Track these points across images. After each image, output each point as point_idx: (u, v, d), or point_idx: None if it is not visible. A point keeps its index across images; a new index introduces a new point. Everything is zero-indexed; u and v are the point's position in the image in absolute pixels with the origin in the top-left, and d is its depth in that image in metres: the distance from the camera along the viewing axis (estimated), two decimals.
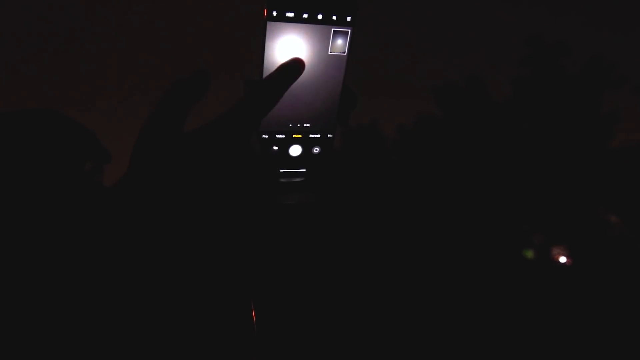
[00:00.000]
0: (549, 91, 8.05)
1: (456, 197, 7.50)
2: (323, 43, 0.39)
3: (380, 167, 8.57)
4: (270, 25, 0.36)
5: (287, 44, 0.37)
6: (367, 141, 9.51)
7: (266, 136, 0.41)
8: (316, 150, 0.44)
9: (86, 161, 0.39)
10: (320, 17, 0.37)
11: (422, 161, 8.45)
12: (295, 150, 0.43)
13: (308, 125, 0.42)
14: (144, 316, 0.31)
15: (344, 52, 0.40)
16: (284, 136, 0.42)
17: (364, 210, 6.63)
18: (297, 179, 0.44)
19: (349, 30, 0.39)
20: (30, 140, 0.34)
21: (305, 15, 0.37)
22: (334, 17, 0.38)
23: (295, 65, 0.38)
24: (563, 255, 7.46)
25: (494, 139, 8.10)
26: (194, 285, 0.35)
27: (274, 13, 0.36)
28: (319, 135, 0.43)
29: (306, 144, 0.43)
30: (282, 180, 0.44)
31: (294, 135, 0.42)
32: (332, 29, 0.38)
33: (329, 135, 0.44)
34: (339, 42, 0.39)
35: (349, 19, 0.38)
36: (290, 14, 0.36)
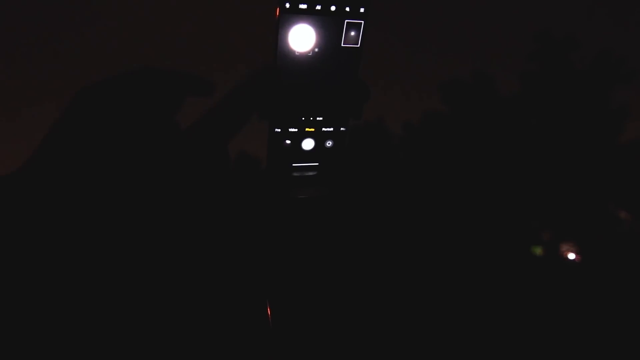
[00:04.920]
0: (557, 86, 7.98)
1: (464, 194, 7.47)
2: (336, 35, 0.38)
3: (386, 165, 8.55)
4: (283, 17, 0.36)
5: (300, 36, 0.37)
6: (373, 138, 9.49)
7: (279, 130, 0.41)
8: (329, 143, 0.44)
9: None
10: (333, 8, 0.37)
11: (429, 158, 8.42)
12: (308, 144, 0.43)
13: (321, 118, 0.42)
14: (153, 314, 0.31)
15: (357, 44, 0.39)
16: (296, 130, 0.42)
17: (371, 207, 6.62)
18: (310, 173, 0.44)
19: (362, 23, 0.38)
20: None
21: (318, 7, 0.36)
22: (347, 9, 0.37)
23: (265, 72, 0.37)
24: (572, 251, 7.41)
25: (501, 135, 8.05)
26: (208, 282, 0.35)
27: (287, 5, 0.35)
28: (331, 129, 0.43)
29: (319, 138, 0.43)
30: (294, 174, 0.44)
31: (307, 129, 0.42)
32: (346, 21, 0.38)
33: (342, 129, 0.43)
34: (352, 34, 0.39)
35: (362, 10, 0.38)
36: (303, 6, 0.36)
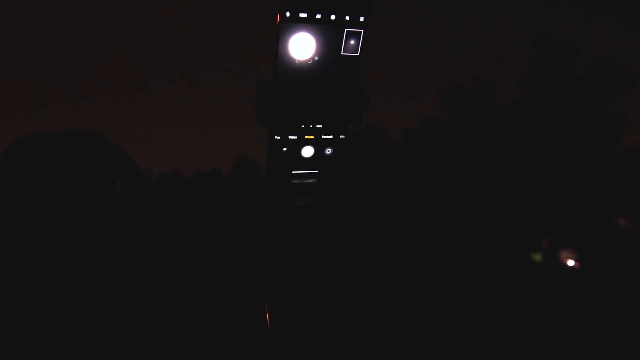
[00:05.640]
0: (556, 93, 8.00)
1: (463, 200, 7.47)
2: (336, 43, 0.38)
3: (386, 170, 8.55)
4: (284, 26, 0.36)
5: (300, 44, 0.37)
6: (372, 144, 9.50)
7: (278, 137, 0.41)
8: (328, 151, 0.44)
9: (117, 181, 0.39)
10: (333, 17, 0.37)
11: (428, 164, 8.42)
12: (307, 152, 0.43)
13: (320, 126, 0.42)
14: (154, 315, 0.31)
15: (357, 53, 0.39)
16: (296, 137, 0.42)
17: (371, 212, 6.61)
18: (310, 180, 0.44)
19: (362, 31, 0.39)
20: (67, 160, 0.35)
21: (318, 16, 0.36)
22: (347, 18, 0.37)
23: None
24: (571, 258, 7.40)
25: (500, 142, 8.06)
26: (208, 287, 0.35)
27: (288, 14, 0.35)
28: (331, 136, 0.43)
29: (318, 145, 0.43)
30: (294, 181, 0.43)
31: (307, 137, 0.42)
32: (345, 30, 0.38)
33: (341, 136, 0.43)
34: (352, 42, 0.39)
35: (361, 19, 0.38)
36: (303, 15, 0.36)
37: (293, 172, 0.43)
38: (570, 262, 7.40)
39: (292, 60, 0.38)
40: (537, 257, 7.63)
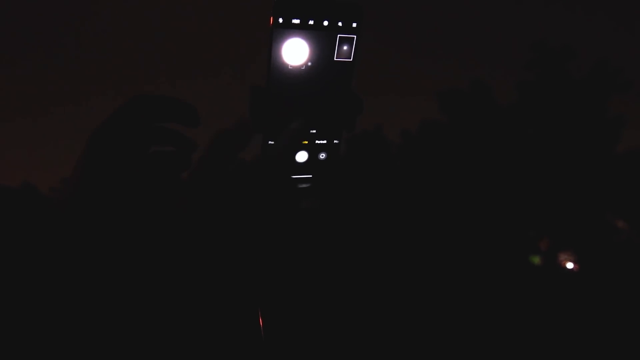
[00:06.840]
0: (555, 96, 8.02)
1: (462, 203, 7.48)
2: (329, 49, 0.38)
3: (384, 173, 8.56)
4: (277, 32, 0.36)
5: (293, 50, 0.37)
6: (371, 147, 9.51)
7: (272, 142, 0.41)
8: (322, 156, 0.44)
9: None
10: (326, 23, 0.37)
11: (426, 167, 8.43)
12: (301, 157, 0.43)
13: (314, 131, 0.42)
14: (146, 319, 0.32)
15: (350, 59, 0.40)
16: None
17: (369, 215, 6.62)
18: (304, 185, 0.44)
19: (355, 37, 0.39)
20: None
21: (311, 22, 0.37)
22: (340, 24, 0.38)
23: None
24: (570, 261, 7.40)
25: (499, 144, 8.07)
26: (200, 291, 0.35)
27: (280, 20, 0.36)
28: (325, 141, 0.43)
29: (312, 150, 0.43)
30: None
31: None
32: (338, 36, 0.38)
33: (335, 141, 0.44)
34: (345, 48, 0.39)
35: (354, 25, 0.38)
36: (296, 21, 0.36)
37: None
38: (569, 265, 7.40)
39: (285, 65, 0.38)
40: (536, 259, 7.63)
